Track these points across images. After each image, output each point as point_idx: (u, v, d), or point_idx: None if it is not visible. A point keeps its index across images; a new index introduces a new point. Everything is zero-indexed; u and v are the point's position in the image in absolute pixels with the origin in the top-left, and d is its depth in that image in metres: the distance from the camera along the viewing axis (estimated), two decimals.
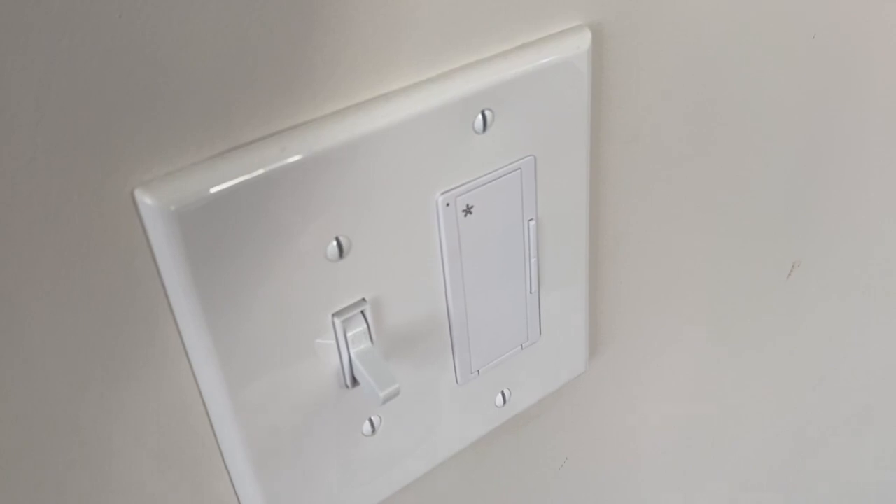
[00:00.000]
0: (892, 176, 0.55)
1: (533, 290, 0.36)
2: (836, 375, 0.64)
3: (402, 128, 0.29)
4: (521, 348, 0.38)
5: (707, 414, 0.55)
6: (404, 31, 0.28)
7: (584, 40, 0.32)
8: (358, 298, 0.31)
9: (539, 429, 0.44)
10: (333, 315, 0.30)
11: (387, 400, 0.30)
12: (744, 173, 0.45)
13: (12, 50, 0.21)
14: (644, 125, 0.37)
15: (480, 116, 0.30)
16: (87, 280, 0.25)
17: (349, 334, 0.31)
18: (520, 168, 0.33)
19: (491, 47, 0.30)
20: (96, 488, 0.28)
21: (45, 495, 0.27)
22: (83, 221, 0.24)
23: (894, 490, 0.81)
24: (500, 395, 0.39)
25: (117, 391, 0.27)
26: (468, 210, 0.32)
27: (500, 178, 0.32)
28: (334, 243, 0.29)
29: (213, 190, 0.25)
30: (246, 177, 0.26)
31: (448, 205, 0.31)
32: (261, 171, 0.26)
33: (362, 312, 0.31)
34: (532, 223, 0.35)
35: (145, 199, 0.24)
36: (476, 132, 0.31)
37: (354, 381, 0.32)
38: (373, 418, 0.34)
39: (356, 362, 0.31)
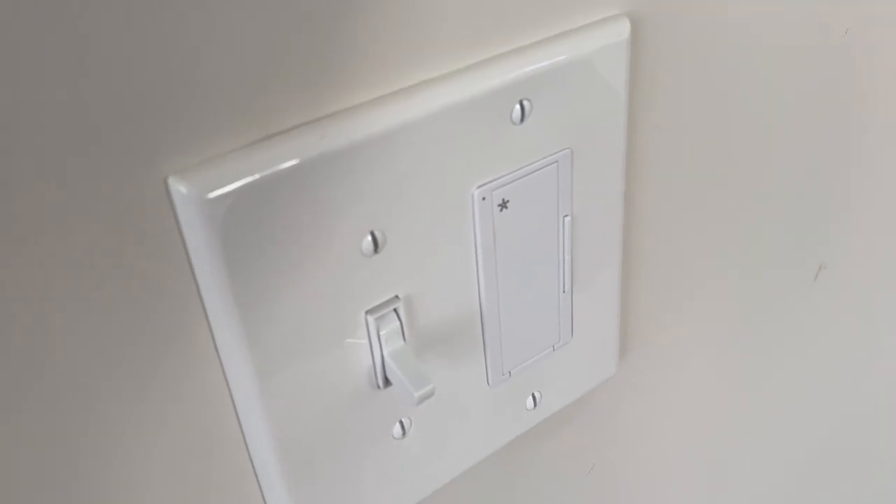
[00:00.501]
0: None
1: (566, 290, 0.35)
2: (864, 378, 0.63)
3: (441, 117, 0.28)
4: (553, 349, 0.37)
5: (734, 417, 0.54)
6: (442, 18, 0.27)
7: (623, 29, 0.31)
8: (391, 295, 0.30)
9: (567, 433, 0.43)
10: (366, 312, 0.29)
11: (422, 400, 0.29)
12: (773, 171, 0.44)
13: (46, 35, 0.20)
14: (677, 117, 0.36)
15: (518, 107, 0.30)
16: (115, 270, 0.23)
17: (382, 333, 0.30)
18: (556, 161, 0.32)
19: (529, 35, 0.30)
20: (122, 489, 0.27)
21: (72, 494, 0.26)
22: (114, 209, 0.23)
23: None
24: (530, 397, 0.37)
25: (144, 386, 0.26)
26: (504, 205, 0.31)
27: (536, 171, 0.31)
28: (369, 237, 0.28)
29: (249, 179, 0.24)
30: (283, 165, 0.24)
31: (484, 199, 0.30)
32: (298, 160, 0.25)
33: (395, 310, 0.30)
34: (567, 219, 0.33)
35: (179, 188, 0.23)
36: (514, 123, 0.30)
37: (387, 382, 0.31)
38: (403, 420, 0.33)
39: (389, 362, 0.30)
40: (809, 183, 0.47)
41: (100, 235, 0.23)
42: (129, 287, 0.24)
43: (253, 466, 0.30)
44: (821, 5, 0.39)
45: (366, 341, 0.30)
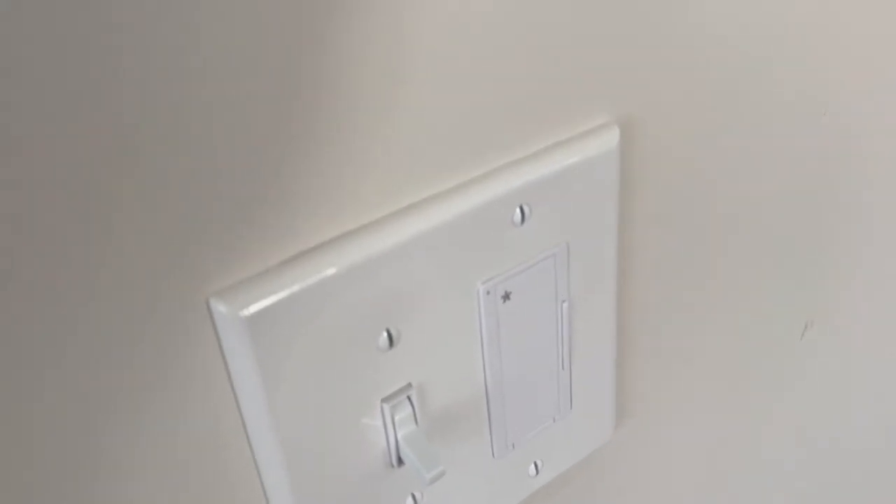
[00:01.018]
0: None
1: (565, 367, 0.38)
2: (851, 434, 0.65)
3: (449, 226, 0.31)
4: (554, 421, 0.39)
5: (726, 474, 0.57)
6: (448, 139, 0.30)
7: (613, 136, 0.34)
8: (404, 383, 0.32)
9: (567, 494, 0.45)
10: (382, 400, 0.32)
11: (433, 481, 0.32)
12: (758, 243, 0.47)
13: (106, 188, 0.23)
14: (666, 207, 0.39)
15: (519, 211, 0.33)
16: (163, 373, 0.26)
17: (396, 418, 0.32)
18: (554, 255, 0.35)
19: (527, 147, 0.33)
20: None
21: None
22: (164, 325, 0.26)
23: None
24: (532, 465, 0.40)
25: (184, 463, 0.28)
26: (506, 296, 0.34)
27: (536, 265, 0.34)
28: (385, 334, 0.31)
29: (279, 295, 0.27)
30: (308, 281, 0.27)
31: (488, 293, 0.33)
32: (320, 277, 0.28)
33: (408, 397, 0.33)
34: (565, 304, 0.36)
35: (219, 307, 0.26)
36: (514, 225, 0.33)
37: (400, 461, 0.33)
38: (415, 494, 0.35)
39: (403, 445, 0.33)
40: (794, 250, 0.50)
41: (151, 346, 0.26)
42: (170, 389, 0.27)
43: None
44: (800, 91, 0.42)
45: (381, 425, 0.33)
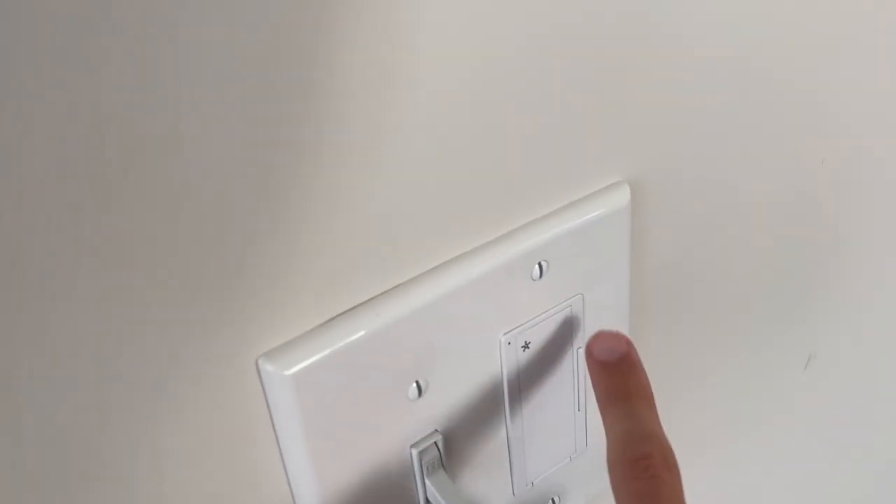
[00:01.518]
0: None
1: (581, 408, 0.40)
2: (855, 466, 0.67)
3: (475, 283, 0.33)
4: (570, 460, 0.41)
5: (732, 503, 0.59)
6: (474, 201, 0.32)
7: (624, 195, 0.37)
8: (432, 430, 0.35)
9: None
10: (411, 446, 0.34)
11: None
12: (762, 283, 0.49)
13: (156, 240, 0.25)
14: (674, 258, 0.42)
15: (537, 267, 0.35)
16: (214, 427, 0.29)
17: (424, 462, 0.35)
18: (570, 306, 0.37)
19: (545, 207, 0.35)
20: None
21: None
22: (218, 382, 0.28)
23: None
24: (550, 501, 0.42)
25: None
26: (526, 345, 0.36)
27: (553, 315, 0.37)
28: (414, 386, 0.33)
29: (319, 355, 0.29)
30: (346, 340, 0.30)
31: (509, 343, 0.36)
32: (355, 336, 0.30)
33: (435, 443, 0.35)
34: (580, 350, 0.39)
35: (267, 367, 0.28)
36: (533, 280, 0.35)
37: (428, 502, 0.36)
38: None
39: (430, 488, 0.35)
40: (797, 285, 0.52)
41: (208, 402, 0.28)
42: (222, 433, 0.29)
43: None
44: (799, 136, 0.45)
45: (410, 469, 0.35)
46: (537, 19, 0.30)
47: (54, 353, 0.24)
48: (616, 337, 0.33)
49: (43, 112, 0.21)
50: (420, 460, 0.34)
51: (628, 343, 0.33)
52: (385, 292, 0.31)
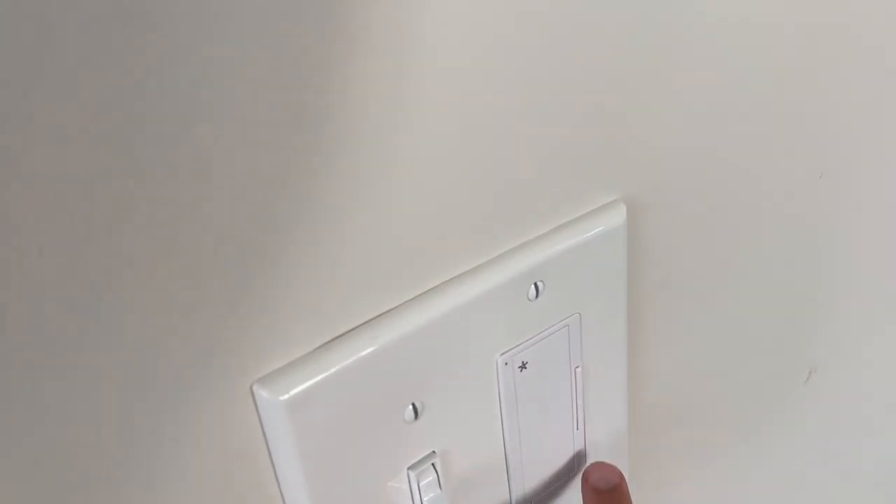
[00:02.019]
0: None
1: (579, 427, 0.40)
2: (857, 479, 0.67)
3: (471, 305, 0.33)
4: (570, 479, 0.41)
5: None
6: (469, 223, 0.32)
7: (620, 213, 0.37)
8: (429, 451, 0.35)
9: None
10: (408, 468, 0.34)
11: None
12: (761, 299, 0.49)
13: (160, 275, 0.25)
14: (671, 275, 0.42)
15: (534, 287, 0.35)
16: (210, 449, 0.29)
17: (422, 484, 0.34)
18: (567, 325, 0.37)
19: (542, 226, 0.35)
20: None
21: None
22: (214, 407, 0.28)
23: None
24: None
25: None
26: (523, 366, 0.36)
27: (550, 335, 0.36)
28: (410, 408, 0.33)
29: (316, 379, 0.29)
30: (343, 364, 0.30)
31: (506, 364, 0.35)
32: (350, 361, 0.30)
33: (433, 464, 0.35)
34: (578, 370, 0.38)
35: (262, 392, 0.28)
36: (530, 300, 0.35)
37: None
38: None
39: None
40: (797, 299, 0.52)
41: (204, 426, 0.28)
42: (218, 457, 0.29)
43: None
44: (796, 152, 0.45)
45: (408, 491, 0.34)
46: (532, 41, 0.30)
47: (48, 378, 0.24)
48: (611, 469, 0.37)
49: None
50: (418, 482, 0.34)
51: (620, 476, 0.37)
52: (380, 315, 0.31)
